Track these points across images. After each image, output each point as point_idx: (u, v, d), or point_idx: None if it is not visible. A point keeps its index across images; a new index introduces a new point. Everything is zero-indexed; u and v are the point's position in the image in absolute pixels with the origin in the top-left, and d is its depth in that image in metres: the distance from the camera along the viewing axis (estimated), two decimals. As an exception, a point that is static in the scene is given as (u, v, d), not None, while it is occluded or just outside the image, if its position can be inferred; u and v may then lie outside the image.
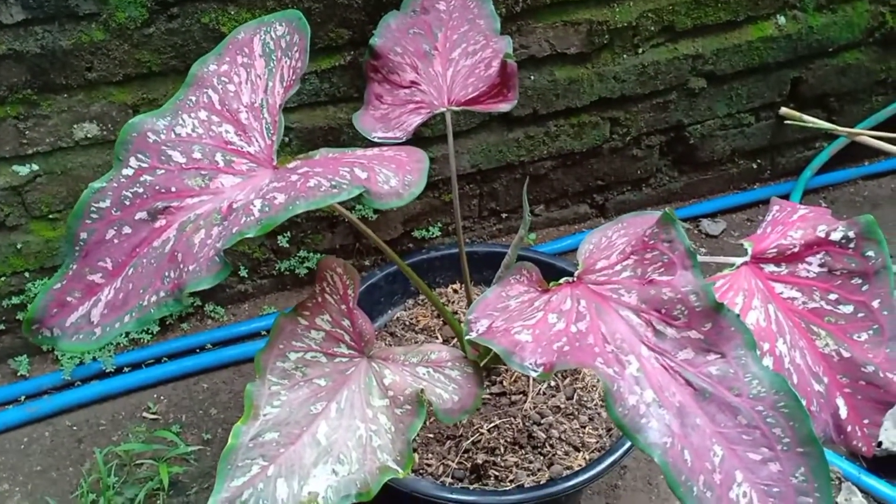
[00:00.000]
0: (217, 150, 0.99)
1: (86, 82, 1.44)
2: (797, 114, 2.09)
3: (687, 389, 0.85)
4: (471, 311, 0.97)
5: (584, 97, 1.86)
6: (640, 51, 1.85)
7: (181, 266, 0.91)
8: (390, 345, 1.42)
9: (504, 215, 2.00)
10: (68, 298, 0.98)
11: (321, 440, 0.94)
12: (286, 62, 1.02)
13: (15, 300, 1.62)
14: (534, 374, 0.87)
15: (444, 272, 1.54)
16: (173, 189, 0.97)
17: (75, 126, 1.47)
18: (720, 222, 2.16)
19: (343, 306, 1.01)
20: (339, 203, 1.24)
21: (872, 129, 2.18)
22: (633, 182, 2.11)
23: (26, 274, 1.61)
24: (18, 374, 1.69)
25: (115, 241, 0.97)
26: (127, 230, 0.96)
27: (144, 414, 1.65)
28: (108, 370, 1.68)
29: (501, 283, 1.00)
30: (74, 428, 1.62)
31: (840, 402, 0.96)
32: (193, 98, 1.02)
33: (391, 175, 0.92)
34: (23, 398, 1.65)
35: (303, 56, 1.01)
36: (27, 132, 1.45)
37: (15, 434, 1.61)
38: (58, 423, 1.63)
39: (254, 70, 1.03)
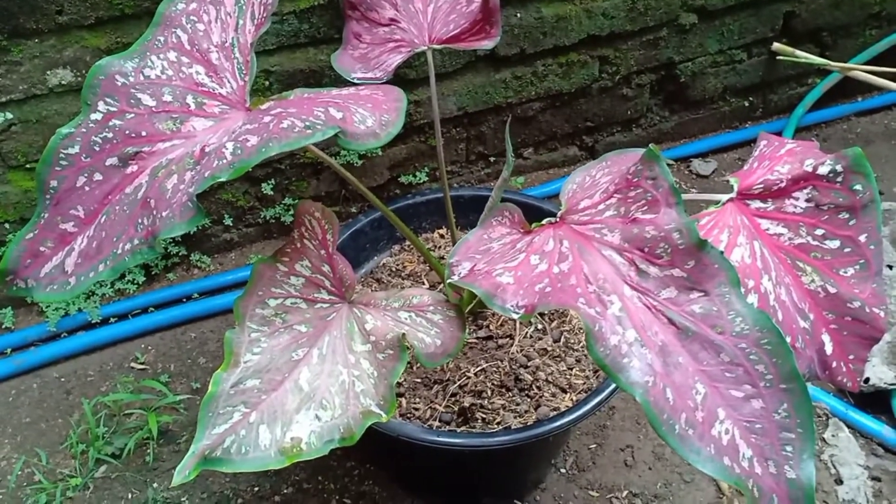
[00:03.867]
0: (188, 93, 0.96)
1: (57, 26, 1.39)
2: (790, 49, 2.04)
3: (670, 328, 0.84)
4: (452, 255, 0.95)
5: (572, 35, 1.81)
6: (629, -15, 1.80)
7: (154, 212, 0.89)
8: (376, 291, 1.41)
9: (492, 159, 1.97)
10: (41, 248, 0.95)
11: (303, 386, 0.93)
12: (257, -1, 0.99)
13: (-4, 252, 1.61)
14: (515, 316, 0.85)
15: (429, 217, 1.52)
16: (144, 133, 0.94)
17: (48, 72, 1.43)
18: (711, 162, 2.14)
19: (322, 251, 0.99)
20: (323, 149, 1.22)
21: (866, 63, 2.15)
22: (622, 122, 2.07)
23: (6, 225, 1.59)
24: (3, 326, 1.68)
25: (87, 188, 0.94)
26: (98, 177, 0.94)
27: (132, 364, 1.64)
28: (94, 321, 1.67)
29: (483, 225, 0.98)
30: (62, 379, 1.62)
31: (826, 338, 0.95)
32: (162, 38, 0.98)
33: (367, 115, 0.89)
34: (9, 351, 1.64)
35: (274, -9, 0.97)
36: (-1, 79, 1.41)
37: (2, 387, 1.60)
38: (45, 374, 1.62)
39: (223, 8, 0.99)
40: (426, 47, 1.24)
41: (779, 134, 2.19)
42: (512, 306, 0.86)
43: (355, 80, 1.22)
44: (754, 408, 0.80)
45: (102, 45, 1.44)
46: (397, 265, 1.47)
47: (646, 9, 1.85)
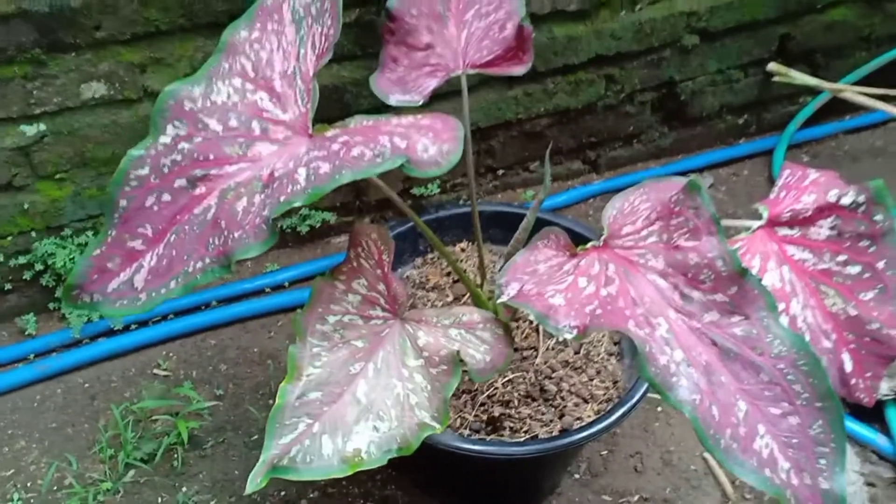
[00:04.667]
0: (253, 118, 1.01)
1: (94, 41, 1.43)
2: (785, 69, 2.13)
3: (713, 349, 0.90)
4: (501, 275, 1.01)
5: (581, 54, 1.88)
6: (638, 8, 1.87)
7: (225, 233, 0.94)
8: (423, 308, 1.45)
9: (500, 172, 2.04)
10: (108, 265, 0.99)
11: (361, 399, 0.98)
12: (317, 29, 1.03)
13: (21, 259, 1.63)
14: (569, 336, 0.92)
15: (451, 231, 1.58)
16: (211, 157, 0.98)
17: (83, 85, 1.46)
18: (707, 177, 2.22)
19: (378, 271, 1.05)
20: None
21: (855, 84, 2.24)
22: (624, 138, 2.15)
23: (33, 233, 1.61)
24: (26, 332, 1.70)
25: (155, 208, 0.98)
26: (166, 197, 0.98)
27: (155, 371, 1.67)
28: (116, 328, 1.70)
29: (529, 247, 1.04)
30: (86, 385, 1.65)
31: (846, 357, 1.03)
32: (227, 65, 1.03)
33: (429, 144, 0.95)
34: (32, 356, 1.66)
35: (335, 24, 1.02)
36: (35, 92, 1.43)
37: (27, 392, 1.63)
38: (69, 380, 1.65)
39: (285, 37, 1.04)
40: (461, 72, 1.30)
41: (771, 150, 2.28)
42: (565, 326, 0.92)
43: (393, 103, 1.27)
44: (791, 424, 0.87)
45: (136, 59, 1.48)
46: (421, 278, 1.52)
47: (651, 30, 1.92)
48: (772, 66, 2.14)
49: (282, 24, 1.05)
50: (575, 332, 0.92)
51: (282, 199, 0.90)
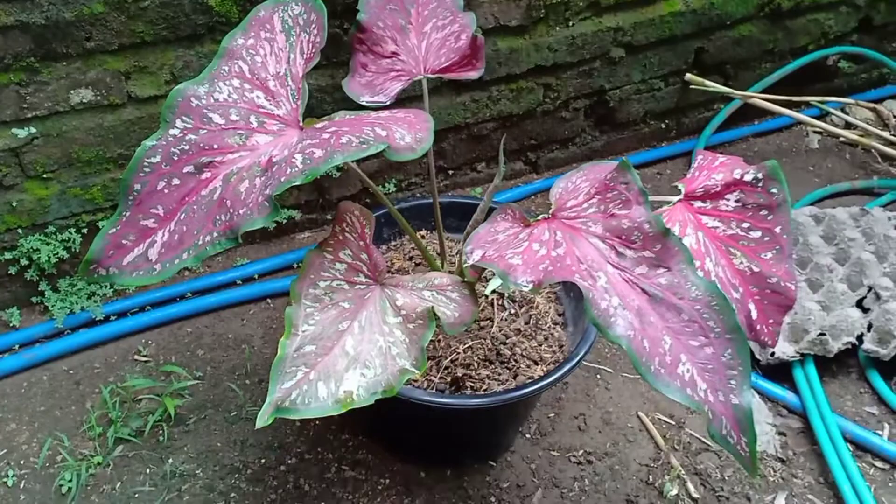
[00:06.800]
0: (251, 113, 1.17)
1: (84, 51, 1.56)
2: (700, 79, 2.39)
3: (643, 296, 1.10)
4: (467, 244, 1.19)
5: (522, 65, 2.09)
6: (571, 24, 2.09)
7: (231, 210, 1.09)
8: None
9: (451, 171, 2.22)
10: (123, 241, 1.14)
11: (349, 351, 1.15)
12: (305, 37, 1.20)
13: (7, 255, 1.73)
14: (526, 289, 1.10)
15: (411, 221, 1.72)
16: (215, 146, 1.14)
17: (72, 91, 1.59)
18: (635, 176, 2.45)
19: (361, 242, 1.21)
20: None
21: (761, 92, 2.52)
22: (561, 141, 2.36)
23: (19, 230, 1.72)
24: (10, 325, 1.80)
25: (166, 191, 1.13)
26: (176, 182, 1.13)
27: (136, 357, 1.80)
28: (97, 318, 1.82)
29: (489, 220, 1.22)
30: (71, 372, 1.76)
31: (751, 306, 1.24)
32: (226, 68, 1.19)
33: (405, 133, 1.12)
34: (17, 347, 1.77)
35: (321, 33, 1.19)
36: (27, 97, 1.56)
37: (14, 379, 1.73)
38: (54, 367, 1.76)
39: (276, 44, 1.20)
40: (422, 76, 1.48)
41: (690, 152, 2.53)
42: (523, 281, 1.11)
43: (364, 103, 1.44)
44: (707, 353, 1.07)
45: (122, 67, 1.62)
46: (386, 262, 1.69)
47: (583, 44, 2.14)
48: (689, 76, 2.39)
49: (273, 32, 1.21)
50: (531, 285, 1.10)
51: (282, 179, 1.06)
